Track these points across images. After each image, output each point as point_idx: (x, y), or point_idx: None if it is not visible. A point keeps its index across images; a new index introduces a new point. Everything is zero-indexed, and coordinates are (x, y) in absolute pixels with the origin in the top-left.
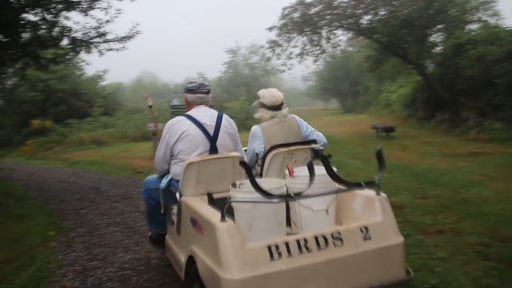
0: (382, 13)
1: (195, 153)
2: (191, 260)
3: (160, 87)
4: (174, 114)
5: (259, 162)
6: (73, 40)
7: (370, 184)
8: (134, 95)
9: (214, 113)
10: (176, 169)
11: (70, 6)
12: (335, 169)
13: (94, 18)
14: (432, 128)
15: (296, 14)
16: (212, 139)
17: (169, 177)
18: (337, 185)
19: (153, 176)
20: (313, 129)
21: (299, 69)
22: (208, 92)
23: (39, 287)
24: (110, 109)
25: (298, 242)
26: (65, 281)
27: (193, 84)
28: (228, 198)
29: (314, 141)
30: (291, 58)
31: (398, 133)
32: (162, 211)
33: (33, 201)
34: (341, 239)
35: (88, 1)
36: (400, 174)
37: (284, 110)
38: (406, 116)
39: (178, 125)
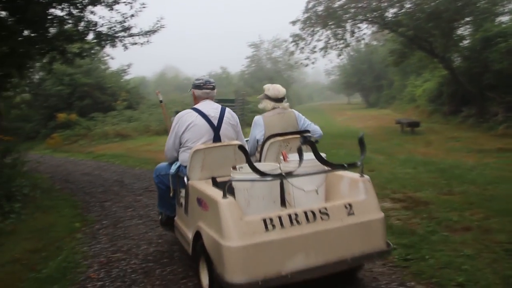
0: (408, 6)
1: (200, 142)
2: (197, 236)
3: (183, 81)
4: None
5: (259, 149)
6: (99, 35)
7: (352, 166)
8: (157, 89)
9: (218, 106)
10: (184, 156)
11: (95, 1)
12: (323, 154)
13: (119, 12)
14: (458, 123)
15: (320, 8)
16: (216, 129)
17: (177, 163)
18: (325, 169)
19: (163, 164)
20: (310, 122)
21: (322, 63)
22: (213, 88)
23: (66, 277)
24: (134, 103)
25: (289, 216)
26: (91, 272)
27: (200, 81)
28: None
29: (308, 131)
30: (315, 52)
31: (422, 128)
32: (171, 194)
33: (59, 193)
34: (327, 214)
35: None
36: (425, 170)
37: (285, 104)
38: (431, 111)
39: (186, 117)
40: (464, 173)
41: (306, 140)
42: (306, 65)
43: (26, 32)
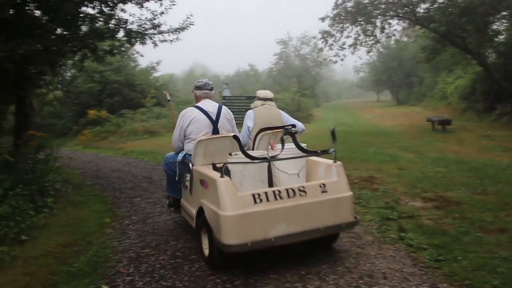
0: (441, 0)
1: (201, 134)
2: (200, 211)
3: (211, 79)
4: (225, 105)
5: (252, 139)
6: (129, 32)
7: (324, 152)
8: (185, 87)
9: (216, 104)
10: (189, 146)
11: None
12: (304, 145)
13: (148, 9)
14: (492, 121)
15: (350, 4)
16: (215, 123)
17: (183, 152)
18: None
19: (171, 153)
20: (293, 120)
21: (351, 60)
22: (211, 89)
23: (96, 271)
24: (163, 100)
25: (274, 192)
26: (120, 267)
27: (201, 83)
28: None
29: (294, 125)
30: (344, 48)
31: (454, 126)
32: (177, 178)
33: (90, 188)
34: (305, 191)
35: None
36: (457, 169)
37: (272, 103)
38: (463, 109)
39: (189, 113)
40: (498, 173)
41: (288, 132)
42: (335, 62)
43: (58, 31)
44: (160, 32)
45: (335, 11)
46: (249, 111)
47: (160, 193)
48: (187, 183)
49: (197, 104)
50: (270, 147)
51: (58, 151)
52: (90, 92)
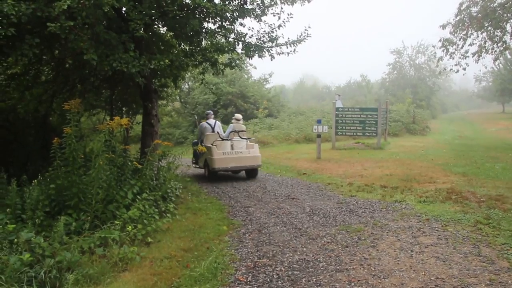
0: None
1: (207, 133)
2: (205, 160)
3: (321, 90)
4: (338, 117)
5: (230, 137)
6: (247, 45)
7: (250, 139)
8: (296, 97)
9: (214, 120)
10: (205, 137)
11: (245, 13)
12: (249, 138)
13: (266, 23)
14: None
15: (475, 8)
16: (213, 129)
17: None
18: (245, 142)
19: (194, 140)
20: (222, 131)
21: (472, 69)
22: (212, 114)
23: (216, 278)
24: (274, 111)
25: (231, 152)
26: (239, 275)
27: (208, 112)
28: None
29: (244, 131)
30: (467, 57)
31: None
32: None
33: (206, 196)
34: (242, 152)
35: (262, 7)
36: None
37: (241, 122)
38: None
39: (204, 124)
40: None
41: (237, 132)
42: (457, 71)
43: (182, 46)
44: (278, 45)
45: (458, 17)
46: (231, 125)
47: (274, 203)
48: (201, 154)
49: (207, 121)
50: (232, 137)
51: (179, 159)
52: (206, 103)
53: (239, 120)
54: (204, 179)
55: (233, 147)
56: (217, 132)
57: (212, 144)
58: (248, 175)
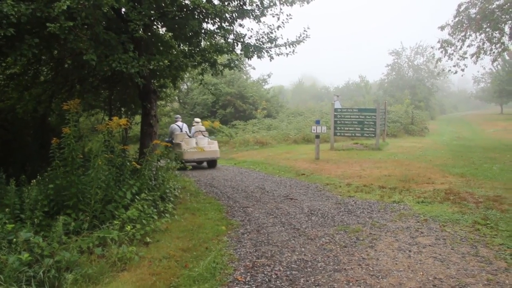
0: None
1: (177, 133)
2: (179, 154)
3: (320, 90)
4: (336, 118)
5: (196, 135)
6: (247, 46)
7: (211, 136)
8: (294, 98)
9: (182, 123)
10: (175, 136)
11: (244, 14)
12: (210, 138)
13: (265, 24)
14: None
15: (474, 10)
16: (182, 129)
17: (170, 139)
18: (207, 139)
19: (166, 139)
20: (188, 131)
21: (470, 70)
22: (180, 118)
23: (215, 277)
24: (273, 112)
25: (196, 147)
26: (237, 275)
27: (176, 116)
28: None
29: (205, 131)
30: (465, 58)
31: None
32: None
33: (205, 196)
34: (204, 148)
35: (261, 8)
36: None
37: (200, 124)
38: None
39: (174, 126)
40: None
41: (202, 132)
42: (455, 72)
43: (181, 46)
44: (277, 46)
45: (456, 19)
46: (194, 127)
47: (273, 204)
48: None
49: (176, 123)
50: (197, 136)
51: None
52: (204, 103)
53: (198, 122)
54: (204, 179)
55: (198, 144)
56: (185, 132)
57: (181, 141)
58: (209, 165)
